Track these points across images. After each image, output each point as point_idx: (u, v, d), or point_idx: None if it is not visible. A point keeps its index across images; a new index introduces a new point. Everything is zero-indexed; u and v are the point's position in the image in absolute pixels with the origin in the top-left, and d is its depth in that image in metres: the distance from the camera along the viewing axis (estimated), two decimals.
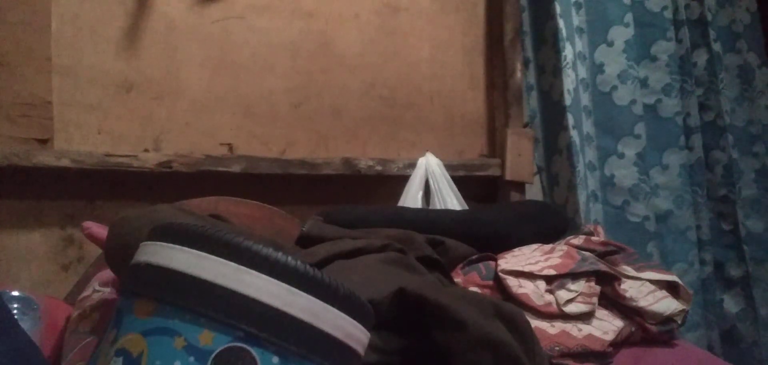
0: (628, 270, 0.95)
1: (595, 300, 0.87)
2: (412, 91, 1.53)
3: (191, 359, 0.42)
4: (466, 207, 1.40)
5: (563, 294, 0.86)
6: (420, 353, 0.65)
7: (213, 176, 1.32)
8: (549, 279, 0.89)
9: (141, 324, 0.44)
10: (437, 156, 1.44)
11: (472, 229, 1.08)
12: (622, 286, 0.90)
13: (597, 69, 1.58)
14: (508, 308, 0.66)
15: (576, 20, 1.57)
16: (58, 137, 1.26)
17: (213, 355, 0.42)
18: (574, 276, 0.89)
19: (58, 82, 1.27)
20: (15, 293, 0.83)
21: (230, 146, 1.38)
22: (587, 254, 0.95)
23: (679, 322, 0.91)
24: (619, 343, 0.86)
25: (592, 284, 0.89)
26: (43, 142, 1.25)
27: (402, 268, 0.81)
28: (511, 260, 0.94)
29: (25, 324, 0.78)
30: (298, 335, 0.44)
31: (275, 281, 0.44)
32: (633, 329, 0.88)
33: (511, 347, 0.60)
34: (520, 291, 0.86)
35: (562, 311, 0.84)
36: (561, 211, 1.46)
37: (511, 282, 0.88)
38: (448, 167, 1.44)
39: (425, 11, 1.54)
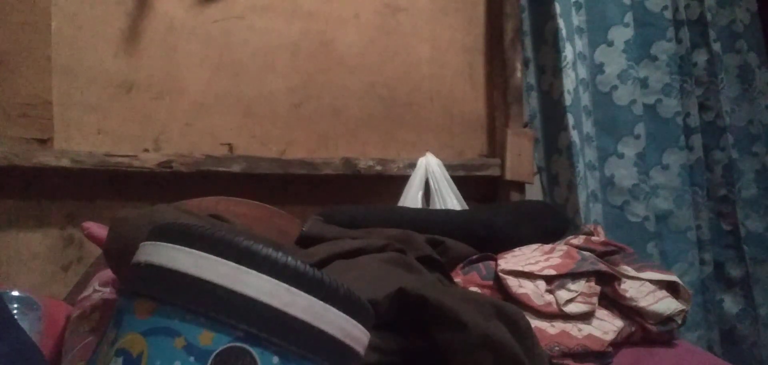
0: (628, 270, 0.95)
1: (595, 300, 0.87)
2: (412, 91, 1.53)
3: (191, 359, 0.42)
4: (466, 207, 1.40)
5: (563, 294, 0.86)
6: (420, 353, 0.65)
7: (213, 176, 1.32)
8: (549, 279, 0.89)
9: (141, 324, 0.44)
10: (437, 156, 1.44)
11: (472, 229, 1.08)
12: (622, 286, 0.90)
13: (597, 69, 1.58)
14: (508, 308, 0.66)
15: (576, 20, 1.57)
16: (58, 137, 1.26)
17: (213, 355, 0.42)
18: (574, 275, 0.89)
19: (58, 82, 1.26)
20: (15, 293, 0.83)
21: (230, 146, 1.38)
22: (587, 254, 0.95)
23: (679, 322, 0.91)
24: (619, 343, 0.86)
25: (592, 284, 0.89)
26: (43, 142, 1.25)
27: (402, 268, 0.81)
28: (511, 260, 0.94)
29: (25, 324, 0.78)
30: (298, 335, 0.44)
31: (275, 281, 0.44)
32: (633, 329, 0.88)
33: (511, 347, 0.60)
34: (520, 291, 0.86)
35: (562, 311, 0.84)
36: (561, 211, 1.46)
37: (511, 282, 0.88)
38: (448, 167, 1.44)
39: (425, 11, 1.54)
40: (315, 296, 0.45)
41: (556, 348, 0.79)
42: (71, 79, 1.28)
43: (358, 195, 1.47)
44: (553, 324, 0.83)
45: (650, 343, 0.89)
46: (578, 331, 0.82)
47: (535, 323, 0.81)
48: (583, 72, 1.56)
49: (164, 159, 1.28)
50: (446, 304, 0.62)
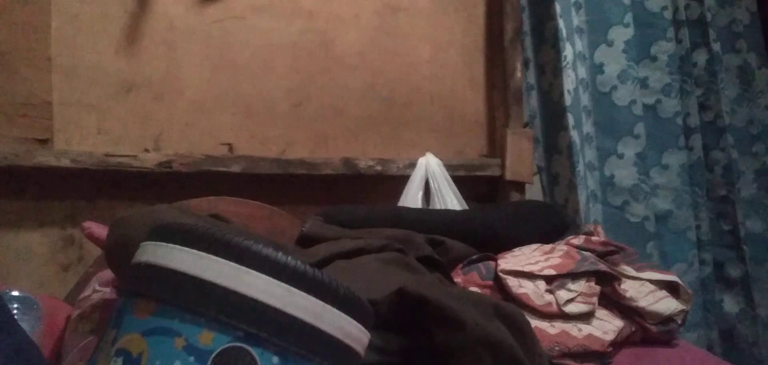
0: (628, 270, 0.96)
1: (595, 299, 0.87)
2: (412, 91, 1.53)
3: (191, 359, 0.42)
4: (466, 207, 1.40)
5: (563, 294, 0.86)
6: (420, 353, 0.65)
7: (213, 176, 1.32)
8: (549, 279, 0.89)
9: (141, 324, 0.44)
10: (437, 156, 1.44)
11: (472, 229, 1.08)
12: (622, 286, 0.90)
13: (597, 69, 1.58)
14: (508, 308, 0.66)
15: (576, 20, 1.57)
16: (58, 137, 1.26)
17: (213, 355, 0.42)
18: (574, 275, 0.89)
19: (58, 82, 1.26)
20: (15, 293, 0.83)
21: (230, 146, 1.38)
22: (587, 254, 0.95)
23: (679, 322, 0.91)
24: (619, 343, 0.86)
25: (592, 284, 0.89)
26: (43, 142, 1.25)
27: (402, 268, 0.81)
28: (511, 260, 0.94)
29: (25, 324, 0.78)
30: (298, 335, 0.44)
31: (275, 281, 0.44)
32: (633, 329, 0.88)
33: (511, 347, 0.60)
34: (520, 290, 0.86)
35: (562, 311, 0.84)
36: (561, 211, 1.46)
37: (511, 281, 0.88)
38: (448, 167, 1.44)
39: (425, 11, 1.54)
40: (315, 296, 0.45)
41: (556, 348, 0.79)
42: (71, 79, 1.28)
43: (358, 195, 1.46)
44: (553, 324, 0.83)
45: (650, 343, 0.89)
46: (578, 331, 0.82)
47: (535, 323, 0.81)
48: (583, 72, 1.56)
49: (164, 159, 1.28)
50: (446, 304, 0.62)
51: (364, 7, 1.49)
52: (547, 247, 1.00)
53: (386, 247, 0.86)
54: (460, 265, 0.97)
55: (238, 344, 0.42)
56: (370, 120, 1.49)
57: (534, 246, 1.02)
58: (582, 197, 1.47)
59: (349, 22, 1.48)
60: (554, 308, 0.84)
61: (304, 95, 1.44)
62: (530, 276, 0.89)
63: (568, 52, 1.50)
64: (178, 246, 0.45)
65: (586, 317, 0.85)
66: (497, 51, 1.57)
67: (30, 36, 1.24)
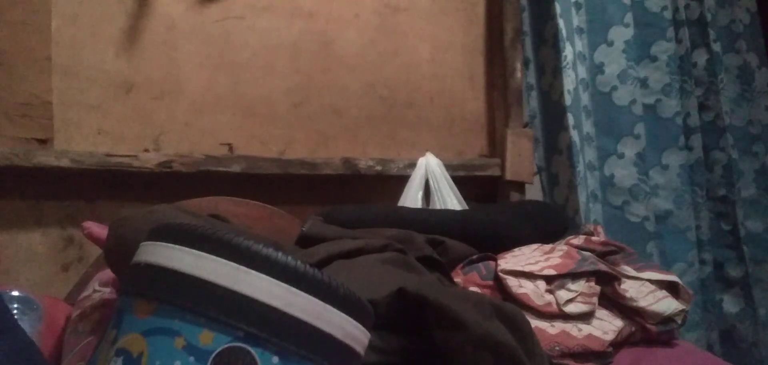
0: (628, 270, 0.96)
1: (595, 300, 0.87)
2: (412, 91, 1.53)
3: (191, 359, 0.42)
4: (466, 207, 1.40)
5: (563, 294, 0.86)
6: (420, 353, 0.65)
7: (213, 176, 1.32)
8: (549, 279, 0.89)
9: (141, 324, 0.44)
10: (437, 156, 1.44)
11: (472, 229, 1.08)
12: (622, 286, 0.90)
13: (597, 69, 1.58)
14: (508, 308, 0.66)
15: (576, 20, 1.57)
16: (58, 137, 1.26)
17: (213, 355, 0.42)
18: (574, 275, 0.89)
19: (58, 82, 1.26)
20: (15, 293, 0.83)
21: (230, 146, 1.38)
22: (587, 254, 0.95)
23: (679, 322, 0.91)
24: (619, 343, 0.86)
25: (592, 284, 0.89)
26: (43, 142, 1.25)
27: (402, 268, 0.81)
28: (511, 260, 0.94)
29: (25, 324, 0.78)
30: (298, 335, 0.44)
31: (275, 281, 0.44)
32: (633, 329, 0.88)
33: (511, 347, 0.60)
34: (520, 291, 0.86)
35: (562, 311, 0.84)
36: (561, 211, 1.46)
37: (511, 281, 0.88)
38: (448, 167, 1.44)
39: (425, 11, 1.54)
40: (315, 296, 0.45)
41: (556, 348, 0.79)
42: (71, 79, 1.28)
43: (358, 195, 1.46)
44: (553, 324, 0.83)
45: (650, 343, 0.89)
46: (578, 331, 0.82)
47: (535, 323, 0.81)
48: (583, 72, 1.56)
49: (164, 159, 1.28)
50: (446, 304, 0.61)
51: (364, 7, 1.49)
52: (547, 247, 1.00)
53: (386, 247, 0.86)
54: (460, 265, 0.97)
55: (238, 344, 0.42)
56: (370, 120, 1.49)
57: (534, 246, 1.02)
58: (582, 197, 1.47)
59: (349, 22, 1.48)
60: (554, 308, 0.84)
61: (304, 95, 1.44)
62: (530, 276, 0.89)
63: (568, 52, 1.50)
64: (178, 246, 0.45)
65: (586, 317, 0.85)
66: (497, 51, 1.57)
67: (30, 36, 1.24)
